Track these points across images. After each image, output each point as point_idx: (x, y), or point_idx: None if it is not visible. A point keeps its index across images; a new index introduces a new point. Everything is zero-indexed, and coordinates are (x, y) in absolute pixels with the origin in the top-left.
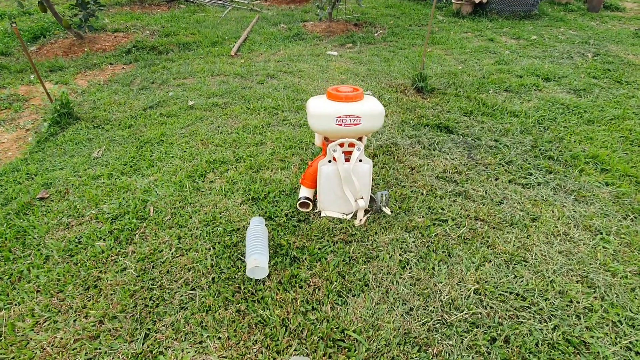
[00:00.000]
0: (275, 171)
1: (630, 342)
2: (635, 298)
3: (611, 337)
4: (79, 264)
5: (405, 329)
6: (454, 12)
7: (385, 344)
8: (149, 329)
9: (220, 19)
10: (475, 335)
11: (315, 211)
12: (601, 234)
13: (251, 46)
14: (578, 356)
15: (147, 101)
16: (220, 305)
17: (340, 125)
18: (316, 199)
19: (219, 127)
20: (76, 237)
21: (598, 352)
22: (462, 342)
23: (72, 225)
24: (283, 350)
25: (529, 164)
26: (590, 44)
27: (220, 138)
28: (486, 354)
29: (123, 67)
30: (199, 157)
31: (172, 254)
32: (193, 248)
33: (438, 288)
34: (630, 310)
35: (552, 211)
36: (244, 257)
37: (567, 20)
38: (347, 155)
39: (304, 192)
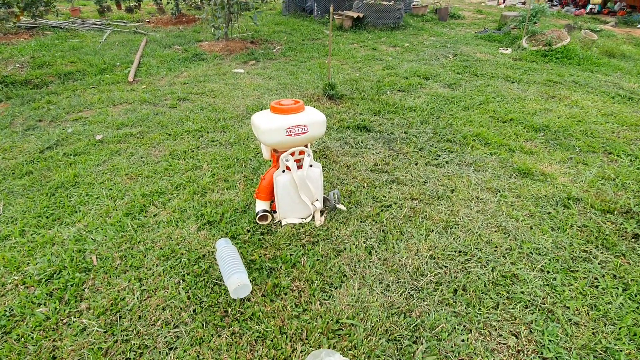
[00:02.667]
0: (221, 192)
1: (542, 266)
2: (534, 234)
3: (529, 266)
4: (23, 339)
5: (388, 303)
6: (338, 27)
7: (377, 320)
8: None
9: (101, 43)
10: (442, 291)
11: (275, 221)
12: (499, 192)
13: (149, 70)
14: (514, 285)
15: (41, 142)
16: (212, 334)
17: (290, 135)
18: (274, 210)
19: (142, 157)
20: (5, 310)
21: (525, 279)
22: (433, 300)
23: None
24: (289, 356)
25: (435, 147)
26: (448, 47)
27: (148, 169)
28: (453, 303)
29: None
30: (131, 192)
31: (137, 298)
32: (160, 286)
33: (402, 262)
34: (534, 243)
35: (463, 182)
36: (221, 281)
37: (426, 29)
38: (298, 163)
39: (261, 205)
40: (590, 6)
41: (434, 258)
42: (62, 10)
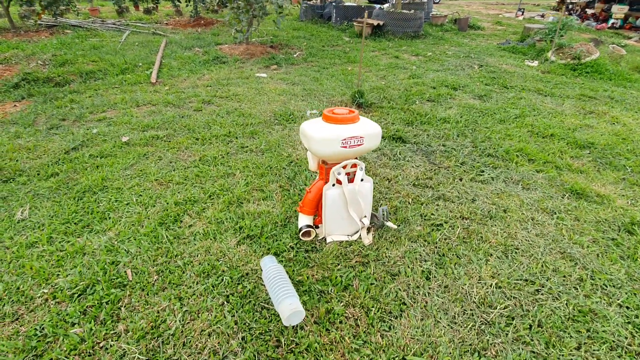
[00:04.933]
0: (258, 203)
1: (620, 301)
2: (604, 263)
3: (605, 300)
4: None
5: (458, 339)
6: (357, 34)
7: (450, 359)
8: None
9: (121, 44)
10: (515, 327)
11: (319, 238)
12: (555, 213)
13: (170, 71)
14: (594, 323)
15: (66, 142)
16: None
17: (345, 147)
18: (316, 225)
19: (170, 162)
20: (36, 329)
21: (604, 316)
22: (507, 336)
23: (22, 314)
24: None
25: (478, 162)
26: (472, 57)
27: (178, 174)
28: (531, 342)
29: (15, 105)
30: (163, 199)
31: (180, 320)
32: (203, 308)
33: (465, 290)
34: (606, 273)
35: (514, 201)
36: (270, 305)
37: (446, 38)
38: (348, 176)
39: (305, 220)
40: (612, 21)
41: (500, 287)
42: (82, 10)
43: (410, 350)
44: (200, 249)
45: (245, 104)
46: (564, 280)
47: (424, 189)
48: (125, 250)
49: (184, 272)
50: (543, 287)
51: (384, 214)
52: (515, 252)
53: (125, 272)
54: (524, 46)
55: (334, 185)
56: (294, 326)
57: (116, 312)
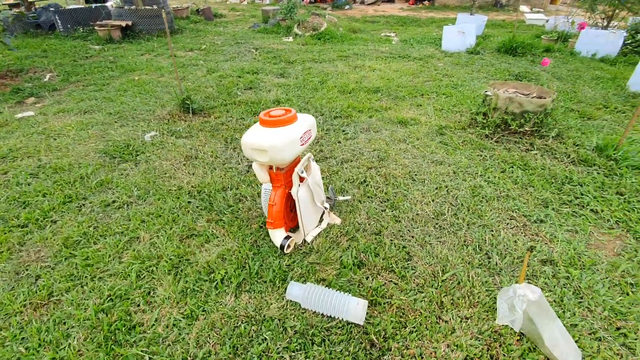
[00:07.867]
0: (205, 248)
1: (477, 174)
2: (452, 157)
3: (472, 176)
4: None
5: (450, 245)
6: (107, 39)
7: (460, 261)
8: None
9: None
10: (462, 218)
11: (299, 243)
12: (406, 141)
13: None
14: (481, 192)
15: None
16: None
17: (303, 144)
18: (289, 233)
19: (18, 273)
20: None
21: (480, 185)
22: (464, 226)
23: None
24: (455, 328)
25: (335, 125)
26: (242, 43)
27: (54, 278)
28: (475, 220)
29: None
30: (73, 320)
31: None
32: None
33: (422, 214)
34: (458, 162)
35: (381, 143)
36: (331, 320)
37: (203, 29)
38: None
39: (279, 234)
40: None
41: (433, 200)
42: None
43: (440, 272)
44: (203, 332)
45: (49, 156)
46: (449, 177)
47: (326, 160)
48: None
49: (216, 353)
50: (447, 187)
51: (333, 192)
52: (415, 175)
53: None
54: (271, 26)
55: (299, 185)
56: (366, 320)
57: None
